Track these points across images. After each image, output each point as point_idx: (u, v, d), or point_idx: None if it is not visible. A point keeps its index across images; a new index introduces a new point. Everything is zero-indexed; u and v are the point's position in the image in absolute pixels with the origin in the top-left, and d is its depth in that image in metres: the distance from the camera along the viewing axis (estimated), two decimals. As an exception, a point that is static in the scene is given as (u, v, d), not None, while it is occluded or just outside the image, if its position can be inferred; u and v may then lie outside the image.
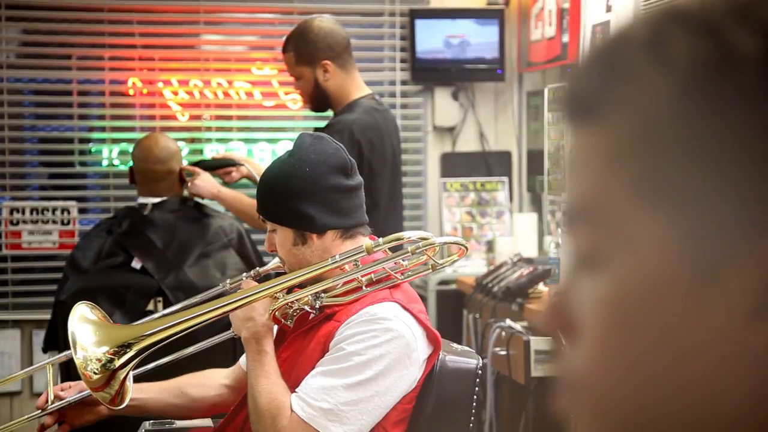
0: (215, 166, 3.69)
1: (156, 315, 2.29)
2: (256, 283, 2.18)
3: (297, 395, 2.05)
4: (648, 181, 0.55)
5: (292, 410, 2.03)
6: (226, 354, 3.37)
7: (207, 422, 2.53)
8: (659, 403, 0.54)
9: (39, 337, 4.47)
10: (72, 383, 2.25)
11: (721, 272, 0.53)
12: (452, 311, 4.31)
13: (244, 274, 2.29)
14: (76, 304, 2.09)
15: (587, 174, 0.58)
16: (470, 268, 4.57)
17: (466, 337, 4.03)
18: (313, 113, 3.72)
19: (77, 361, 1.99)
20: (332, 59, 3.38)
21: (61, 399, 2.22)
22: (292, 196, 2.12)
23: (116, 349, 2.03)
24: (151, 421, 2.57)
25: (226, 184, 3.69)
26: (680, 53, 0.55)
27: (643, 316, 0.54)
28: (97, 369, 2.01)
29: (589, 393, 0.56)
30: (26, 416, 2.25)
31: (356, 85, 3.47)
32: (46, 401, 2.20)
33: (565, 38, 4.40)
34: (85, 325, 2.06)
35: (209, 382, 2.39)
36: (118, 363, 2.03)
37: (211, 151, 4.73)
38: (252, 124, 4.85)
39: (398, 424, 2.11)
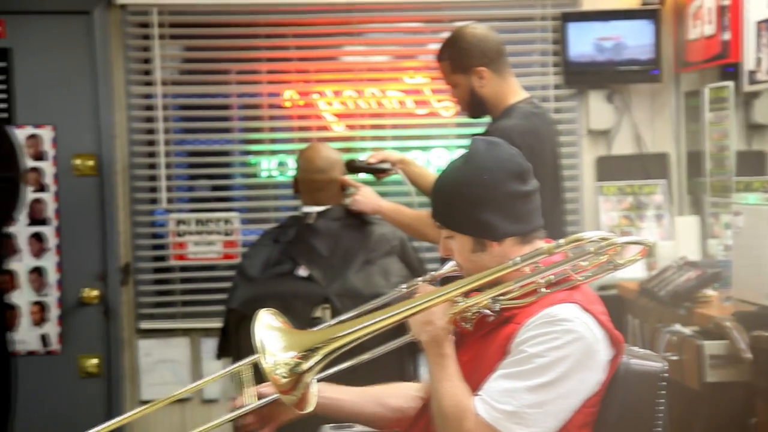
0: (367, 170, 3.73)
1: (334, 320, 2.31)
2: (433, 287, 2.18)
3: (480, 398, 2.04)
4: None
5: (476, 413, 2.03)
6: (394, 361, 3.40)
7: (385, 428, 2.55)
8: None
9: (206, 344, 4.62)
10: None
11: None
12: (614, 316, 4.21)
13: (420, 278, 2.30)
14: (260, 312, 2.12)
15: None
16: (630, 272, 4.44)
17: (632, 342, 3.96)
18: (467, 120, 3.72)
19: (266, 366, 2.02)
20: (487, 65, 3.37)
21: (264, 396, 2.25)
22: (471, 204, 2.13)
23: (303, 354, 2.06)
24: (331, 425, 2.60)
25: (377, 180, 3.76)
26: None
27: None
28: (285, 373, 2.04)
29: None
30: (228, 416, 2.28)
31: (513, 90, 3.45)
32: (241, 404, 2.24)
33: (726, 36, 4.29)
34: (271, 331, 2.09)
35: (406, 393, 2.37)
36: (305, 367, 2.06)
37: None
38: (405, 132, 4.89)
39: (582, 428, 2.09)
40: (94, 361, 4.65)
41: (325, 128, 4.84)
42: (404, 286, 2.32)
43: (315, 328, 2.25)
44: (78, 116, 4.66)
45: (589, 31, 4.81)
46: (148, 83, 4.73)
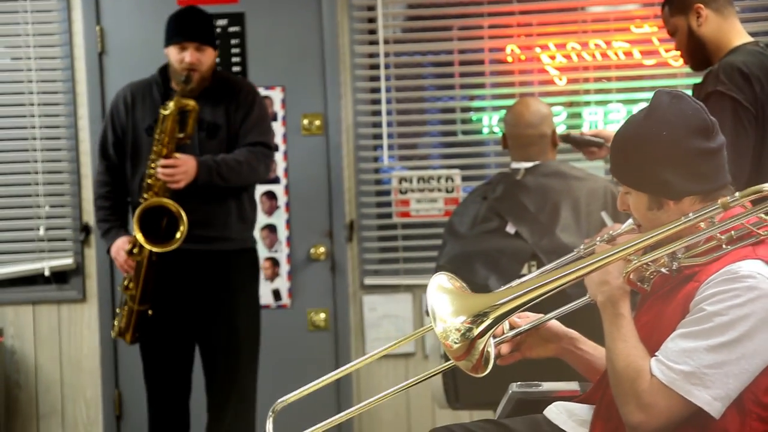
0: (581, 143, 3.64)
1: (514, 282, 2.26)
2: (609, 246, 2.11)
3: (657, 359, 1.98)
4: None
5: (651, 374, 1.96)
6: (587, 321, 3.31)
7: (573, 386, 2.50)
8: None
9: (427, 300, 4.68)
10: (528, 313, 2.25)
11: None
12: None
13: (598, 237, 2.23)
14: (434, 275, 2.11)
15: None
16: None
17: None
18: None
19: (438, 332, 2.01)
20: (705, 3, 3.23)
21: (516, 327, 2.25)
22: (647, 161, 2.05)
23: (473, 318, 2.02)
24: (519, 383, 2.58)
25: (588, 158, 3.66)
26: None
27: None
28: (457, 339, 2.01)
29: None
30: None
31: (736, 33, 3.28)
32: (503, 331, 2.24)
33: None
34: (443, 295, 2.07)
35: None
36: (476, 332, 2.02)
37: (589, 114, 4.68)
38: (632, 84, 4.71)
39: (769, 393, 1.97)
40: (322, 315, 4.81)
41: (548, 82, 4.75)
42: (582, 247, 2.27)
43: (493, 292, 2.21)
44: (306, 77, 4.80)
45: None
46: (372, 42, 4.80)
